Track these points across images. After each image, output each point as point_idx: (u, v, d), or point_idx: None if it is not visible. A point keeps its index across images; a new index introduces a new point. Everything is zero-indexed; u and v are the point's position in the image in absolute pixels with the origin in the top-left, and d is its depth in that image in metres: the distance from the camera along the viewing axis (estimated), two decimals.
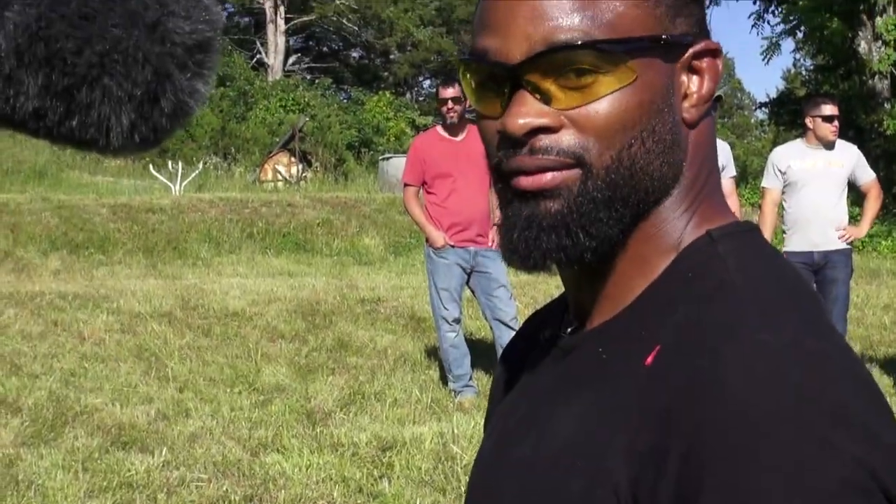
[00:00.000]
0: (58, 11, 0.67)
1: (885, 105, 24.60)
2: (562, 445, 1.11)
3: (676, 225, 1.14)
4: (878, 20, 23.99)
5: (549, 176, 1.08)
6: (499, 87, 1.09)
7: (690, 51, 1.11)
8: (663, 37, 1.07)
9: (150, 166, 30.43)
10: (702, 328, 1.03)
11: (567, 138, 1.07)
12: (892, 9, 23.78)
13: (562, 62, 1.05)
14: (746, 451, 0.93)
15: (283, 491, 6.13)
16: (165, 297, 13.06)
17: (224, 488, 6.16)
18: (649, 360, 1.06)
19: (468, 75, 1.14)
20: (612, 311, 1.16)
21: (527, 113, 1.06)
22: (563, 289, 1.25)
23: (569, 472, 1.08)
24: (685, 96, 1.12)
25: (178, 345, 10.32)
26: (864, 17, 24.88)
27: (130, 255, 17.89)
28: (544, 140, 1.07)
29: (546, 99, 1.07)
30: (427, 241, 8.56)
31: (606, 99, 1.06)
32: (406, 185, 8.68)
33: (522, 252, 1.11)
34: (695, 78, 1.13)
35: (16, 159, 28.98)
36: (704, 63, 1.12)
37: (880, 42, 24.12)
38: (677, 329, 1.05)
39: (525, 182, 1.09)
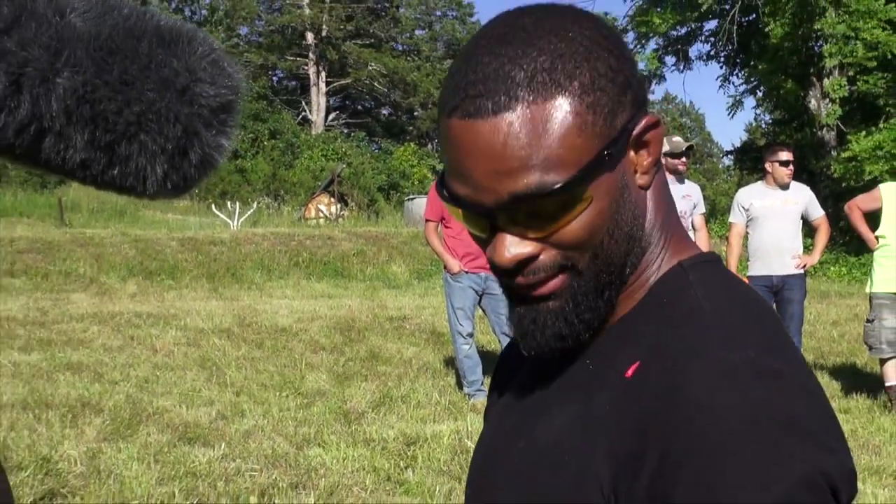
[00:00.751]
0: (102, 78, 0.68)
1: (832, 152, 24.60)
2: (555, 442, 1.10)
3: (652, 260, 1.14)
4: (826, 81, 24.00)
5: (545, 288, 1.08)
6: (480, 219, 1.08)
7: (634, 134, 1.07)
8: (605, 153, 1.03)
9: (213, 206, 30.56)
10: (673, 348, 1.03)
11: (547, 258, 1.07)
12: (837, 72, 23.75)
13: (527, 208, 1.03)
14: (713, 453, 0.92)
15: (323, 479, 6.11)
16: (225, 316, 13.07)
17: (273, 477, 6.14)
18: (629, 373, 1.05)
19: (449, 204, 1.11)
20: (601, 327, 1.15)
21: (510, 250, 1.06)
22: None
23: (561, 467, 1.07)
24: (636, 169, 1.10)
25: (235, 356, 10.31)
26: (814, 79, 24.88)
27: (195, 280, 17.93)
28: (530, 266, 1.07)
29: (522, 232, 1.05)
30: (445, 267, 8.57)
31: (572, 223, 1.04)
32: (427, 220, 8.69)
33: (536, 342, 1.11)
34: (643, 151, 1.10)
35: (100, 200, 29.09)
36: (648, 136, 1.09)
37: (827, 100, 24.11)
38: (653, 348, 1.05)
39: (527, 294, 1.10)
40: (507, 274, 1.08)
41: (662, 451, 0.94)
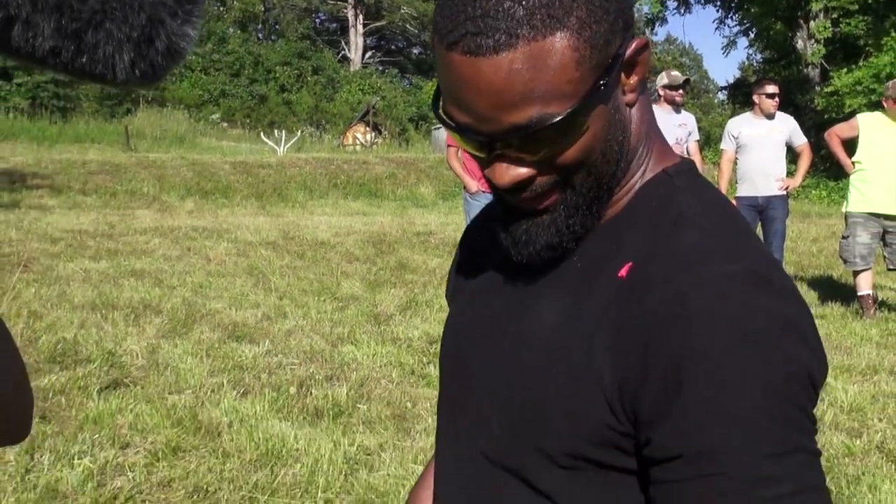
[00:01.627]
0: None
1: (816, 88, 24.31)
2: (545, 336, 1.06)
3: (637, 168, 1.09)
4: (812, 23, 23.61)
5: (540, 204, 1.04)
6: (480, 144, 1.01)
7: (625, 57, 1.01)
8: (601, 83, 0.98)
9: (262, 134, 30.52)
10: (672, 254, 0.99)
11: (543, 179, 1.02)
12: (822, 15, 23.36)
13: (526, 137, 0.97)
14: (719, 354, 0.90)
15: (354, 372, 6.13)
16: (271, 230, 13.08)
17: (311, 370, 6.15)
18: (623, 272, 1.01)
19: (448, 128, 1.05)
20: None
21: (509, 174, 1.01)
22: None
23: (554, 359, 1.03)
24: (624, 89, 1.04)
25: (279, 265, 10.32)
26: (801, 21, 24.47)
27: (245, 199, 17.94)
28: (527, 187, 1.02)
29: (519, 156, 1.00)
30: (464, 188, 8.51)
31: (569, 150, 0.99)
32: (448, 146, 8.63)
33: (525, 252, 1.07)
34: (631, 71, 1.04)
35: (162, 128, 29.13)
36: (637, 58, 1.03)
37: (813, 40, 23.76)
38: (647, 251, 1.01)
39: (522, 207, 1.06)
40: (505, 192, 1.04)
41: (672, 354, 0.92)
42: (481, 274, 1.26)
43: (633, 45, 1.02)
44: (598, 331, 0.99)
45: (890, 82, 8.21)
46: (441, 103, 1.05)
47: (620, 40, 1.00)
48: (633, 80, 1.04)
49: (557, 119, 0.96)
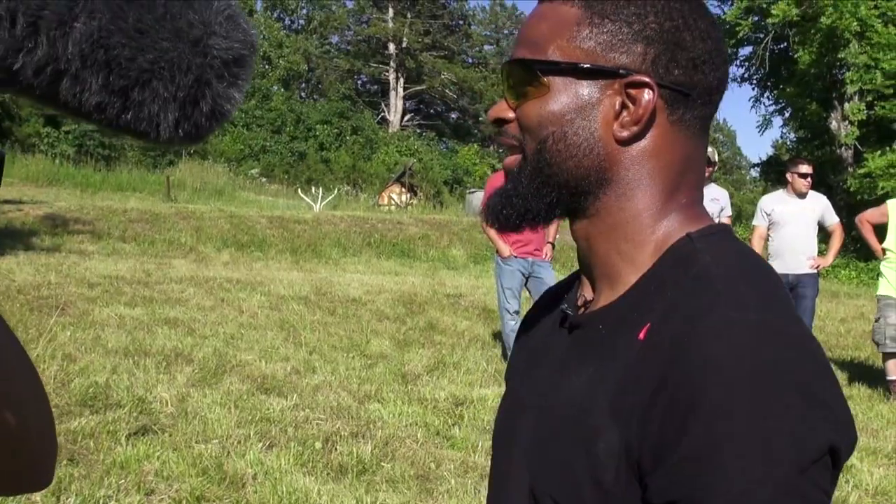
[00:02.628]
0: (117, 25, 0.66)
1: (849, 169, 24.26)
2: (574, 400, 1.05)
3: (656, 229, 1.08)
4: (847, 105, 23.65)
5: (509, 159, 1.11)
6: None
7: (622, 81, 1.03)
8: (582, 65, 1.04)
9: (299, 190, 30.76)
10: (683, 310, 0.96)
11: (513, 127, 1.10)
12: (857, 97, 23.40)
13: (509, 73, 1.09)
14: (720, 411, 0.86)
15: (380, 430, 6.10)
16: (303, 285, 13.12)
17: (337, 426, 6.14)
18: (642, 335, 0.99)
19: None
20: (611, 296, 1.09)
21: (497, 107, 1.12)
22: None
23: (576, 427, 1.02)
24: (616, 117, 1.04)
25: (311, 320, 10.34)
26: (836, 103, 24.51)
27: (280, 253, 18.02)
28: (504, 128, 1.12)
29: (507, 101, 1.11)
30: (497, 252, 8.52)
31: (531, 103, 1.07)
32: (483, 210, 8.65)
33: (486, 214, 1.15)
34: (628, 105, 1.04)
35: (203, 181, 29.42)
36: (635, 93, 1.03)
37: (847, 122, 23.77)
38: (664, 312, 0.99)
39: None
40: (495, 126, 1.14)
41: (671, 402, 0.89)
42: (530, 351, 1.28)
43: (635, 77, 1.03)
44: (615, 398, 0.98)
45: None
46: None
47: (635, 64, 1.03)
48: (629, 115, 1.04)
49: (523, 58, 1.08)
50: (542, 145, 1.06)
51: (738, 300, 0.95)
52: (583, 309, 1.16)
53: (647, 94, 1.03)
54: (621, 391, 0.97)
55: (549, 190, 1.08)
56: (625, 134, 1.05)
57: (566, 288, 1.30)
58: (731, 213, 8.63)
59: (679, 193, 1.09)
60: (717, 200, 8.29)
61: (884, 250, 8.25)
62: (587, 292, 1.16)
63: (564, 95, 1.05)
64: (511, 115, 1.09)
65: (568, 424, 1.04)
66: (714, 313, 0.93)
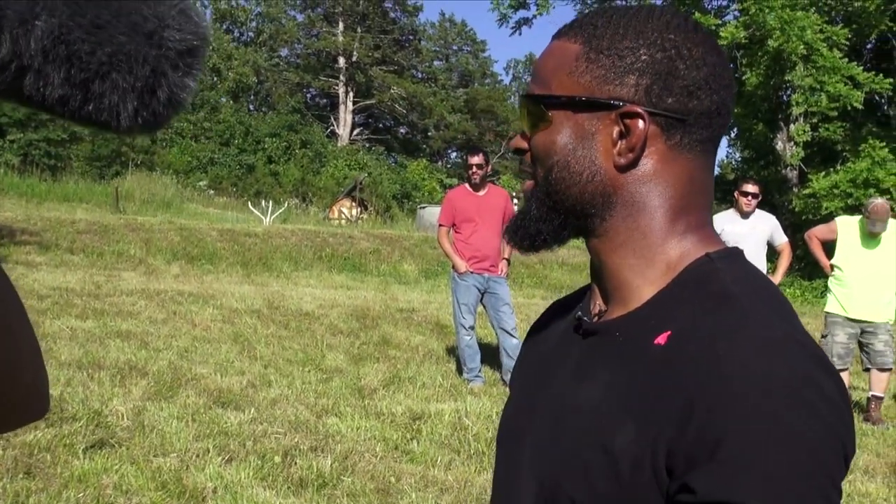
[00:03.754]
0: (76, 21, 0.70)
1: (794, 189, 24.63)
2: (588, 404, 1.10)
3: (667, 247, 1.13)
4: (792, 126, 24.03)
5: (525, 185, 1.21)
6: None
7: (617, 112, 1.10)
8: (579, 98, 1.12)
9: (249, 203, 30.58)
10: (714, 322, 1.02)
11: (528, 157, 1.19)
12: (802, 119, 23.79)
13: (523, 106, 1.19)
14: (760, 415, 0.92)
15: (339, 445, 6.11)
16: (256, 299, 13.07)
17: (295, 440, 6.13)
18: (661, 339, 1.05)
19: None
20: (627, 306, 1.14)
21: (517, 139, 1.21)
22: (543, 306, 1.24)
23: (595, 428, 1.06)
24: (614, 145, 1.11)
25: (265, 333, 10.31)
26: (782, 124, 24.90)
27: (231, 266, 17.91)
28: (523, 157, 1.20)
29: (524, 131, 1.20)
30: (453, 267, 8.58)
31: (540, 135, 1.16)
32: (440, 225, 8.71)
33: (507, 235, 1.25)
34: (624, 135, 1.10)
35: (150, 192, 29.14)
36: (630, 122, 1.09)
37: (792, 143, 24.14)
38: (687, 324, 1.04)
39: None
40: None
41: (709, 411, 0.94)
42: (541, 356, 1.32)
43: (633, 108, 1.09)
44: (633, 399, 1.03)
45: (871, 203, 8.27)
46: None
47: (628, 95, 1.10)
48: (625, 143, 1.10)
49: (530, 94, 1.16)
50: (549, 173, 1.14)
51: (762, 319, 1.02)
52: (597, 318, 1.21)
53: (640, 124, 1.09)
54: (640, 393, 1.02)
55: (557, 214, 1.16)
56: (622, 161, 1.11)
57: (576, 299, 1.36)
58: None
59: (688, 213, 1.15)
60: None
61: (832, 266, 8.41)
62: (600, 302, 1.21)
63: (566, 127, 1.13)
64: (525, 145, 1.18)
65: (587, 426, 1.08)
66: (744, 330, 0.99)
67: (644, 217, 1.13)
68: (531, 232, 1.18)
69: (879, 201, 8.22)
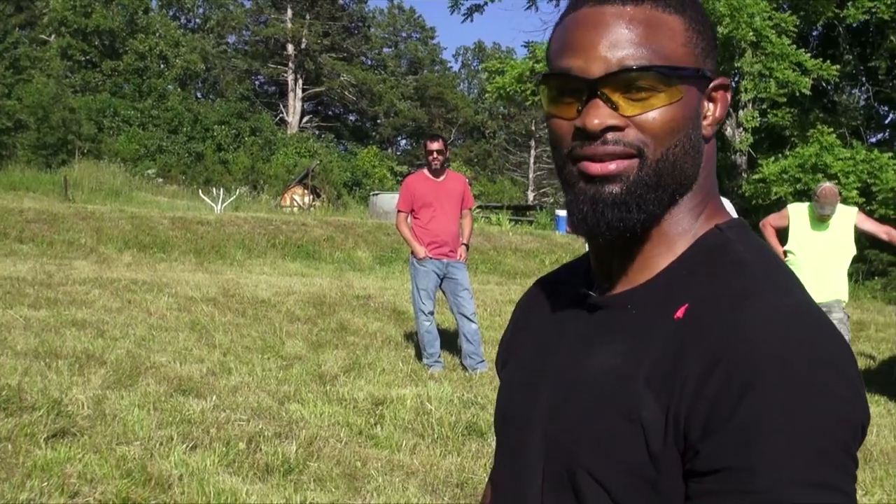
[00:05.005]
0: None
1: (744, 175, 24.89)
2: (605, 374, 1.11)
3: (690, 216, 1.16)
4: (741, 112, 24.26)
5: (613, 165, 1.10)
6: (576, 96, 1.10)
7: (712, 84, 1.15)
8: (700, 70, 1.12)
9: (200, 192, 30.34)
10: (730, 291, 1.05)
11: (631, 134, 1.09)
12: (751, 105, 24.02)
13: (630, 80, 1.08)
14: (776, 384, 0.95)
15: (303, 430, 6.10)
16: (211, 287, 12.97)
17: (260, 427, 6.11)
18: (679, 314, 1.07)
19: (547, 88, 1.15)
20: (636, 279, 1.16)
21: (601, 115, 1.08)
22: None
23: (613, 394, 1.08)
24: (705, 117, 1.15)
25: (222, 321, 10.24)
26: (731, 110, 25.13)
27: (184, 255, 17.75)
28: (613, 136, 1.09)
29: (615, 107, 1.09)
30: (412, 253, 8.57)
31: (660, 110, 1.09)
32: (399, 211, 8.70)
33: (591, 223, 1.12)
34: (712, 105, 1.16)
35: (99, 181, 28.81)
36: (719, 94, 1.16)
37: (741, 128, 24.37)
38: (707, 291, 1.07)
39: (594, 168, 1.11)
40: (588, 138, 1.10)
41: (729, 380, 0.96)
42: (535, 331, 1.33)
43: (720, 79, 1.15)
44: (653, 372, 1.04)
45: (820, 188, 8.39)
46: (550, 67, 1.16)
47: (712, 65, 1.15)
48: (712, 114, 1.16)
49: (662, 66, 1.08)
50: (671, 149, 1.10)
51: (776, 286, 1.05)
52: (600, 292, 1.22)
53: (728, 96, 1.17)
54: (659, 365, 1.04)
55: (666, 193, 1.12)
56: (710, 132, 1.16)
57: (567, 273, 1.37)
58: None
59: (713, 185, 1.20)
60: None
61: (785, 252, 8.52)
62: (602, 278, 1.22)
63: (688, 100, 1.11)
64: (620, 121, 1.09)
65: (605, 397, 1.09)
66: (760, 298, 1.02)
67: (701, 188, 1.17)
68: (634, 218, 1.11)
69: (828, 185, 8.35)
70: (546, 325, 1.30)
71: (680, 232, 1.15)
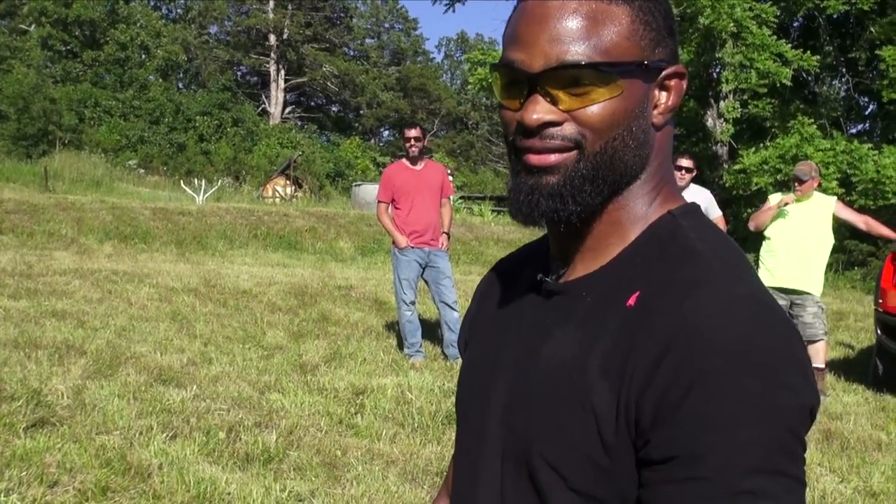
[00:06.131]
0: None
1: (724, 165, 24.96)
2: (559, 363, 1.12)
3: (643, 203, 1.16)
4: (722, 103, 24.33)
5: (552, 157, 1.10)
6: (519, 88, 1.11)
7: (663, 73, 1.14)
8: (644, 63, 1.10)
9: (181, 182, 30.22)
10: (677, 282, 1.05)
11: (569, 128, 1.09)
12: (732, 96, 24.09)
13: (569, 76, 1.07)
14: (724, 372, 0.95)
15: (283, 420, 6.10)
16: (192, 277, 12.94)
17: (239, 416, 6.12)
18: (631, 301, 1.08)
19: (498, 77, 1.15)
20: (591, 266, 1.17)
21: (539, 111, 1.09)
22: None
23: (567, 382, 1.09)
24: (656, 106, 1.14)
25: (203, 312, 10.23)
26: (712, 101, 25.20)
27: (165, 245, 17.72)
28: (551, 130, 1.10)
29: (554, 101, 1.09)
30: (393, 243, 8.57)
31: (600, 104, 1.08)
32: (380, 202, 8.69)
33: (525, 212, 1.14)
34: (664, 93, 1.15)
35: (80, 171, 28.66)
36: (672, 83, 1.15)
37: (722, 119, 24.44)
38: (658, 279, 1.08)
39: (533, 159, 1.11)
40: (527, 133, 1.11)
41: (679, 368, 0.97)
42: (493, 317, 1.33)
43: (672, 68, 1.14)
44: (605, 360, 1.05)
45: (797, 165, 8.48)
46: (502, 58, 1.15)
47: (665, 57, 1.13)
48: (664, 102, 1.15)
49: (600, 62, 1.07)
50: (610, 142, 1.09)
51: (726, 273, 1.06)
52: (555, 278, 1.23)
53: (683, 84, 1.16)
54: (611, 353, 1.05)
55: (605, 184, 1.12)
56: (661, 121, 1.15)
57: (525, 257, 1.38)
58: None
59: (667, 171, 1.20)
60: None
61: (764, 238, 8.55)
62: (560, 262, 1.23)
63: (632, 93, 1.10)
64: (559, 116, 1.09)
65: (560, 385, 1.10)
66: (711, 286, 1.03)
67: (653, 176, 1.17)
68: (570, 209, 1.11)
69: (805, 160, 8.47)
70: (505, 308, 1.31)
71: (632, 219, 1.16)
